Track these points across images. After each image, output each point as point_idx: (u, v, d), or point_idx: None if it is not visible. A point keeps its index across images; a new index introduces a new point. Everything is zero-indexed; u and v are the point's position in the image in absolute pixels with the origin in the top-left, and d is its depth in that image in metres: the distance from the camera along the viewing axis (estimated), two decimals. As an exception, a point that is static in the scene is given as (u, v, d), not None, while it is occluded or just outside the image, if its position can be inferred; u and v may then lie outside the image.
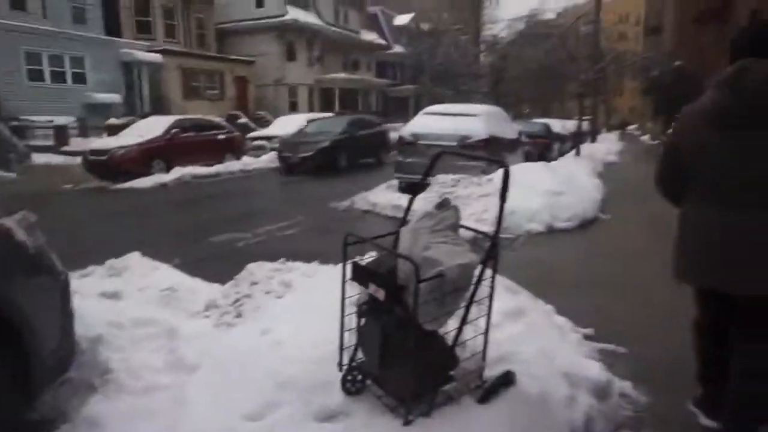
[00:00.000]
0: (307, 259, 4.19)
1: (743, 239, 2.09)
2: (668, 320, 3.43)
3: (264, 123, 22.68)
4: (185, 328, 3.19)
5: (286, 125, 17.66)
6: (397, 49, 39.25)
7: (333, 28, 31.38)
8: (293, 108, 28.29)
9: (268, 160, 15.05)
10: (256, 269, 3.74)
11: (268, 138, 16.98)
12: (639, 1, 49.59)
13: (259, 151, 16.30)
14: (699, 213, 2.22)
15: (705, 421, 2.50)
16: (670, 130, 2.42)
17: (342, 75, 32.00)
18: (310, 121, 16.03)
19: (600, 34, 21.56)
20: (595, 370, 2.76)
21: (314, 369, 2.40)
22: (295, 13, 28.29)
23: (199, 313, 3.46)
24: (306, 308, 2.90)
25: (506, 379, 2.24)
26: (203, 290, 3.81)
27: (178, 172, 12.16)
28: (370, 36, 36.16)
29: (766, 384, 2.17)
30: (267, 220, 7.48)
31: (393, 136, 14.53)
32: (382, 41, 37.18)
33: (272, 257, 4.15)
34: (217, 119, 16.06)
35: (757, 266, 2.07)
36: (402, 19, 41.99)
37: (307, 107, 29.16)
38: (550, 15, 40.18)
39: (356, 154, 14.60)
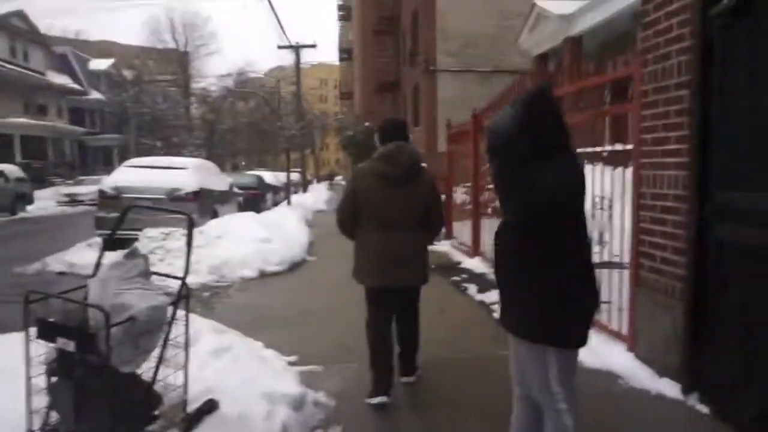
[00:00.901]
0: (-20, 333, 3.64)
1: (399, 251, 3.22)
2: (359, 339, 4.17)
3: None
4: None
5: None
6: (96, 95, 35.78)
7: (9, 66, 26.88)
8: (-47, 158, 22.93)
9: None
10: None
11: None
12: (335, 69, 56.72)
13: None
14: (371, 237, 3.27)
15: (373, 400, 3.23)
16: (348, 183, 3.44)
17: (22, 120, 27.48)
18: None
19: (301, 95, 23.92)
20: (292, 387, 3.20)
21: (-4, 446, 2.21)
22: (-49, 45, 23.37)
23: None
24: (-19, 384, 2.59)
25: (208, 407, 2.48)
26: None
27: None
28: (60, 78, 32.11)
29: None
30: None
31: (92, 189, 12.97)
32: (75, 85, 33.41)
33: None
34: None
35: (407, 267, 3.25)
36: (99, 64, 38.57)
37: (-25, 157, 24.01)
38: (257, 75, 42.48)
39: None
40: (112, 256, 2.26)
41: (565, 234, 1.96)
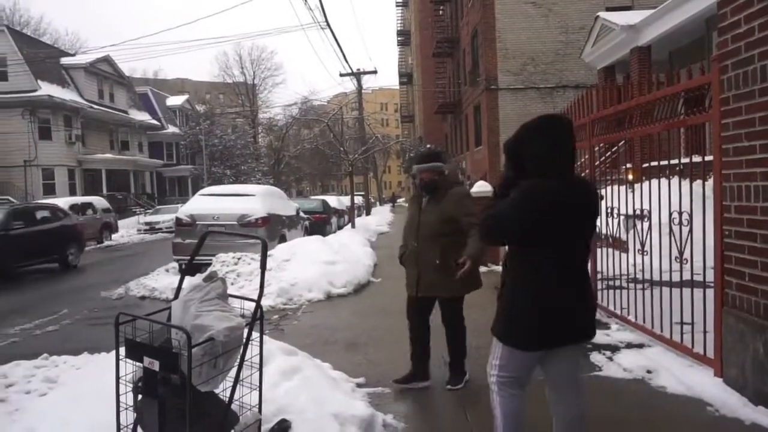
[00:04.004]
0: (76, 352, 3.93)
1: (423, 262, 3.72)
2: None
3: (10, 210, 19.58)
4: None
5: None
6: (172, 129, 38.19)
7: (96, 107, 29.24)
8: (50, 191, 25.10)
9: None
10: (10, 371, 3.39)
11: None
12: (395, 93, 57.54)
13: None
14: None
15: (422, 384, 3.74)
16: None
17: (109, 155, 29.72)
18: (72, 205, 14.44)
19: (363, 121, 24.40)
20: (361, 409, 3.21)
21: (88, 459, 2.35)
22: (48, 89, 25.73)
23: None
24: (77, 400, 2.79)
25: (281, 426, 2.54)
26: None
27: None
28: (140, 116, 34.55)
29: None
30: (20, 318, 6.56)
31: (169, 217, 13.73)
32: (154, 121, 35.80)
33: (31, 356, 3.79)
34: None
35: (430, 279, 3.72)
36: (175, 100, 41.26)
37: (68, 190, 26.15)
38: (320, 102, 43.89)
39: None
40: (192, 280, 2.38)
41: (521, 251, 2.24)
